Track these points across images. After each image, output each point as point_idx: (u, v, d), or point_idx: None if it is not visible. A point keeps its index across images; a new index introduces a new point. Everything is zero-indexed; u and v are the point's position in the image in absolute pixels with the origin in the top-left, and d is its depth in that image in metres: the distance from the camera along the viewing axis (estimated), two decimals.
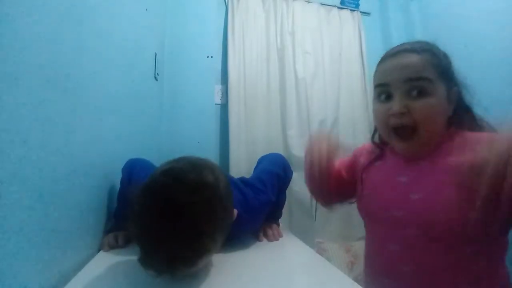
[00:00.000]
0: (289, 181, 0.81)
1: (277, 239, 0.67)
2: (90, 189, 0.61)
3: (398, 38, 2.00)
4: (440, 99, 0.54)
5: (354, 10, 1.99)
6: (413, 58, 0.55)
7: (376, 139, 0.70)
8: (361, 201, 0.68)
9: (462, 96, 0.58)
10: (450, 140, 0.56)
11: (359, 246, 1.53)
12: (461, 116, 0.57)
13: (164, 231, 0.40)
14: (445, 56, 0.60)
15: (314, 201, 1.70)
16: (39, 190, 0.42)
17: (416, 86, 0.54)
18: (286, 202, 1.63)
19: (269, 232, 0.69)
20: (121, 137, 0.82)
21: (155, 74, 1.31)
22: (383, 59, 0.61)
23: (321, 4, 1.91)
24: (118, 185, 0.76)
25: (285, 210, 1.60)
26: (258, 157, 0.95)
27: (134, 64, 0.97)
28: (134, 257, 0.58)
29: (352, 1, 2.01)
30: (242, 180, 0.71)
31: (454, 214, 0.49)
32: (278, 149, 1.69)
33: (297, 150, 1.69)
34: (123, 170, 0.73)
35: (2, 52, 0.34)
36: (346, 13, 1.97)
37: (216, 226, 0.44)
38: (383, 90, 0.59)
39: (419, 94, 0.54)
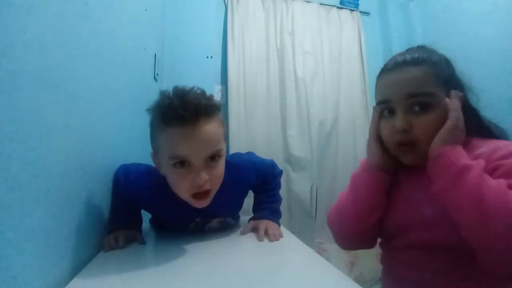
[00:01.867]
0: (278, 175, 0.84)
1: (277, 239, 0.68)
2: (90, 189, 0.61)
3: (397, 38, 2.00)
4: (444, 111, 0.53)
5: (353, 10, 1.99)
6: (413, 72, 0.54)
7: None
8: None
9: (467, 100, 0.57)
10: None
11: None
12: (469, 119, 0.54)
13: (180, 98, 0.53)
14: (446, 61, 0.58)
15: (314, 201, 1.70)
16: (38, 191, 0.42)
17: (418, 101, 0.53)
18: (286, 202, 1.64)
19: (270, 231, 0.69)
20: (120, 138, 0.82)
21: (154, 74, 1.31)
22: (381, 74, 0.60)
23: (321, 4, 1.92)
24: None
25: (285, 210, 1.62)
26: None
27: (133, 65, 0.97)
28: (134, 258, 0.58)
29: (351, 1, 2.01)
30: None
31: None
32: (278, 149, 1.69)
33: (297, 150, 1.70)
34: (118, 172, 0.73)
35: (1, 52, 0.34)
36: (345, 13, 1.97)
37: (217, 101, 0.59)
38: (385, 107, 0.58)
39: (422, 108, 0.53)
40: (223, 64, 1.73)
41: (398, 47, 1.96)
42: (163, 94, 0.56)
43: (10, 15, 0.36)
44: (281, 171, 0.85)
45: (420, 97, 0.53)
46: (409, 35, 1.96)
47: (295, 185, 1.68)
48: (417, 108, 0.53)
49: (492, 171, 0.48)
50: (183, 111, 0.52)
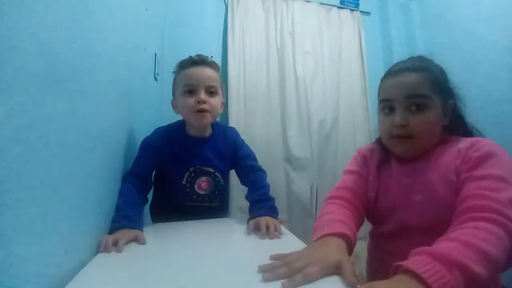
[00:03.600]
0: (264, 172, 0.94)
1: (277, 236, 0.68)
2: (90, 189, 0.61)
3: (397, 38, 2.00)
4: (436, 113, 0.62)
5: (354, 10, 1.99)
6: (413, 77, 0.63)
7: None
8: (371, 201, 0.71)
9: (457, 107, 0.67)
10: (443, 144, 0.64)
11: (359, 246, 1.52)
12: (456, 124, 0.66)
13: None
14: (442, 71, 0.67)
15: (314, 201, 1.70)
16: (39, 190, 0.42)
17: (415, 102, 0.62)
18: (286, 202, 1.64)
19: (271, 228, 0.69)
20: (121, 138, 0.82)
21: (155, 74, 1.31)
22: (386, 76, 0.69)
23: (321, 3, 1.92)
24: (118, 186, 0.76)
25: (285, 210, 1.62)
26: (258, 157, 0.97)
27: (133, 64, 0.97)
28: (133, 258, 0.58)
29: (352, 1, 2.01)
30: None
31: (450, 212, 0.53)
32: (278, 149, 1.69)
33: (297, 150, 1.70)
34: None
35: (1, 52, 0.34)
36: (345, 12, 1.97)
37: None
38: (386, 105, 0.67)
39: (418, 108, 0.62)
40: (223, 63, 1.72)
41: (398, 47, 1.96)
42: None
43: (11, 15, 0.36)
44: (265, 171, 0.95)
45: (417, 98, 0.62)
46: (409, 35, 1.96)
47: (295, 185, 1.68)
48: (413, 108, 0.62)
49: (466, 162, 0.57)
50: (195, 57, 0.85)
